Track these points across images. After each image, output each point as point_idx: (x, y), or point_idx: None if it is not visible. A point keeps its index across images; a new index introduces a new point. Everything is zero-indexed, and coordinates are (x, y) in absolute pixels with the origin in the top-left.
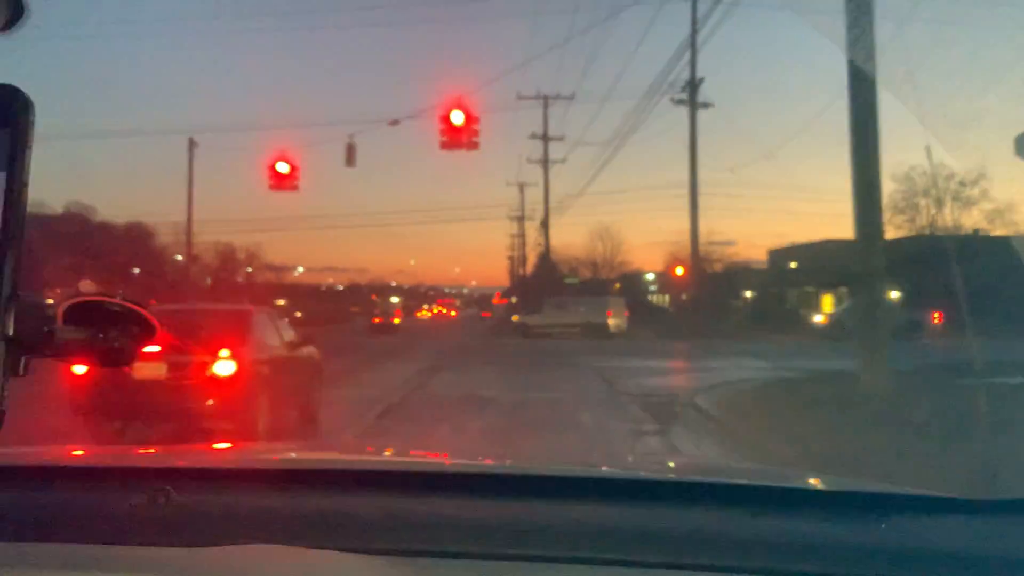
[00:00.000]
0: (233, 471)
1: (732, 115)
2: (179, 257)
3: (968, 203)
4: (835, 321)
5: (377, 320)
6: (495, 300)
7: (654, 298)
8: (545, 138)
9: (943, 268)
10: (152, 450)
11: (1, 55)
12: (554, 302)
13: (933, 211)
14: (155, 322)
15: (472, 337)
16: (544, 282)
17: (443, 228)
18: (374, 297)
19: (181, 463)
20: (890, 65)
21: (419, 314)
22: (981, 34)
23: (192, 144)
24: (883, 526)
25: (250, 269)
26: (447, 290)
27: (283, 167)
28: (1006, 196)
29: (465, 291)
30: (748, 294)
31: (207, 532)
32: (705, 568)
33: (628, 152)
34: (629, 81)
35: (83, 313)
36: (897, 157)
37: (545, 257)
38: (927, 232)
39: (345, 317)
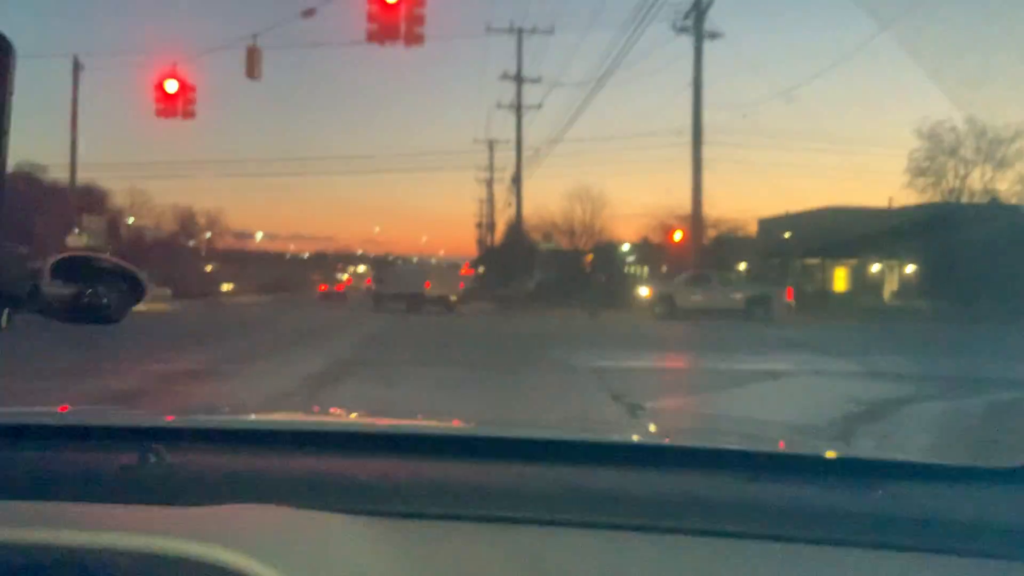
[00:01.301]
0: (226, 431)
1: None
2: (131, 220)
3: (1003, 164)
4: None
5: (322, 288)
6: (463, 271)
7: (633, 270)
8: (519, 79)
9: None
10: (145, 409)
11: (70, 46)
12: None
13: (962, 172)
14: (145, 281)
15: (422, 313)
16: (515, 250)
17: (408, 194)
18: (340, 266)
19: (173, 422)
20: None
21: None
22: None
23: (77, 67)
24: (880, 493)
25: (209, 234)
26: (415, 259)
27: (172, 85)
28: None
29: (433, 261)
30: (742, 266)
31: (200, 492)
32: (699, 532)
33: (618, 95)
34: (619, 9)
35: (71, 269)
36: (923, 112)
37: (516, 219)
38: (954, 196)
39: (298, 286)
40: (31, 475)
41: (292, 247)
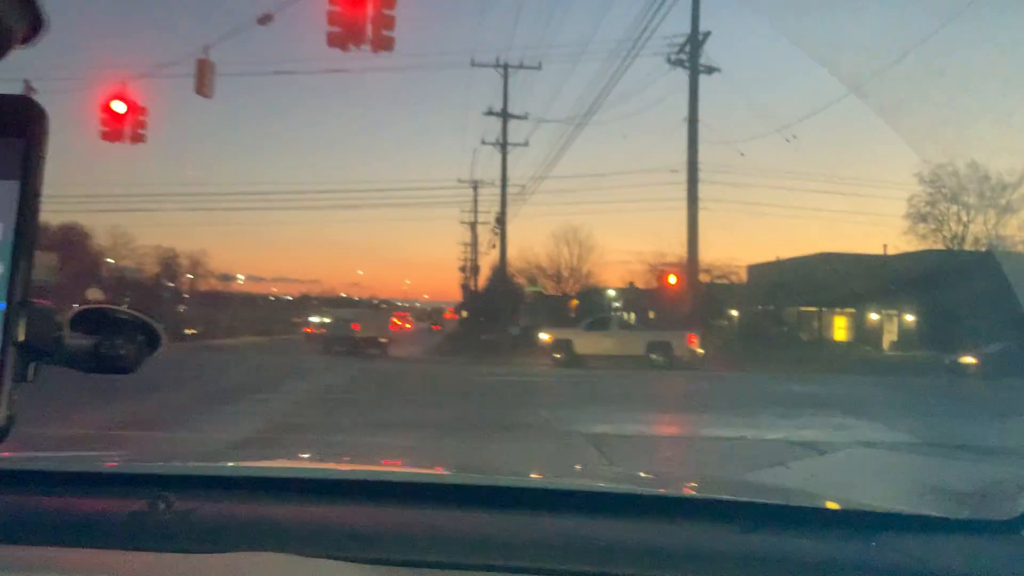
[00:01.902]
0: (234, 479)
1: (743, 83)
2: (111, 260)
3: (1007, 209)
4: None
5: (309, 331)
6: (447, 315)
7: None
8: (504, 115)
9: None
10: (153, 457)
11: (16, 66)
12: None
13: (964, 218)
14: (160, 331)
15: (392, 361)
16: (499, 294)
17: (392, 237)
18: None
19: (182, 470)
20: (921, 59)
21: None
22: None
23: (29, 90)
24: (873, 544)
25: (191, 276)
26: (399, 303)
27: (120, 106)
28: None
29: (418, 305)
30: (734, 313)
31: (207, 539)
32: None
33: (610, 133)
34: (612, 42)
35: (90, 321)
36: (926, 156)
37: (500, 261)
38: (956, 243)
39: (279, 328)
40: (41, 520)
41: (275, 289)
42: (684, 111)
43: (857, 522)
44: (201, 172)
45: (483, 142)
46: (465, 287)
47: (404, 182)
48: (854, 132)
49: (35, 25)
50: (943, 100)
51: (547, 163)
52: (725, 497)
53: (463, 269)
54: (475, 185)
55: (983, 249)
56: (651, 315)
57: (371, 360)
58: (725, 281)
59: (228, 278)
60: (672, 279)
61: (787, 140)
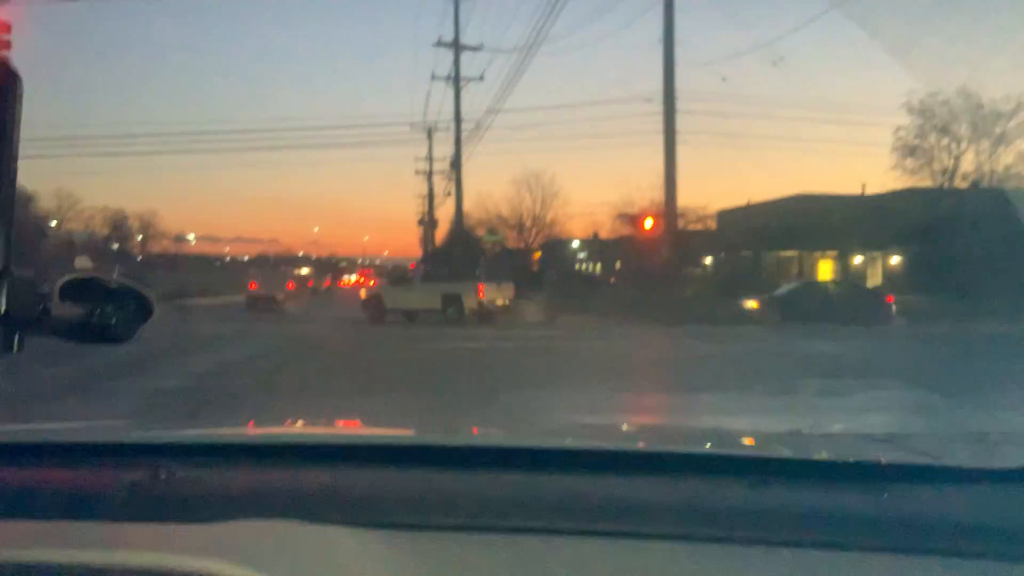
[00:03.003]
0: (234, 446)
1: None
2: (54, 223)
3: (1001, 141)
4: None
5: (253, 287)
6: (411, 269)
7: (584, 267)
8: (456, 46)
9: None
10: (152, 427)
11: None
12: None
13: (955, 151)
14: (152, 299)
15: (345, 323)
16: (458, 246)
17: (349, 192)
18: (284, 268)
19: (182, 438)
20: None
21: (343, 283)
22: None
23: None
24: (885, 495)
25: (141, 237)
26: (360, 261)
27: None
28: None
29: (378, 262)
30: (708, 261)
31: (209, 508)
32: (706, 539)
33: (576, 61)
34: None
35: (79, 290)
36: (912, 84)
37: (456, 211)
38: (947, 178)
39: (231, 290)
40: (38, 493)
41: (228, 249)
42: (658, 31)
43: (869, 474)
44: (127, 114)
45: (433, 76)
46: (425, 241)
47: (355, 118)
48: (840, 58)
49: None
50: (935, 18)
51: (502, 92)
52: (734, 452)
53: (421, 222)
54: (429, 131)
55: (972, 184)
56: (618, 265)
57: (287, 323)
58: (699, 227)
59: (181, 239)
60: (648, 223)
61: (773, 63)
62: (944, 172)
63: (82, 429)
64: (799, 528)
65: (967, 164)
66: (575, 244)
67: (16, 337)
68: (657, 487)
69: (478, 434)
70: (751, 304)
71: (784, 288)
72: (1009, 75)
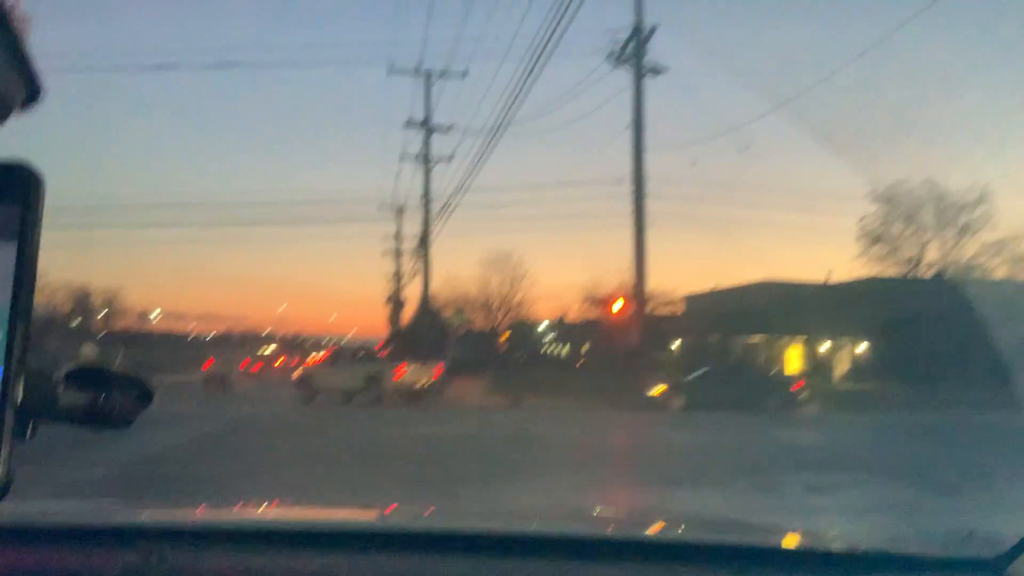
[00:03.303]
0: (228, 531)
1: (692, 85)
2: None
3: (966, 231)
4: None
5: (206, 366)
6: (378, 350)
7: (551, 350)
8: (427, 127)
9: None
10: (145, 509)
11: (14, 134)
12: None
13: (923, 239)
14: (151, 387)
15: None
16: (424, 326)
17: (317, 271)
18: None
19: (176, 522)
20: (881, 67)
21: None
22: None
23: None
24: None
25: (104, 314)
26: (326, 340)
27: None
28: (1013, 222)
29: (344, 341)
30: (676, 345)
31: None
32: None
33: (545, 144)
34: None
35: (84, 378)
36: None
37: (424, 290)
38: (912, 267)
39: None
40: None
41: (193, 327)
42: (628, 115)
43: (846, 563)
44: (92, 187)
45: (402, 157)
46: (392, 321)
47: (324, 195)
48: (807, 145)
49: (32, 92)
50: (895, 112)
51: (470, 172)
52: (716, 540)
53: (389, 302)
54: (399, 209)
55: (935, 274)
56: (584, 348)
57: (233, 403)
58: (667, 312)
59: (146, 317)
60: (617, 305)
61: (740, 150)
62: (910, 261)
63: (71, 511)
64: None
65: (932, 253)
66: (542, 326)
67: (30, 425)
68: (642, 574)
69: (468, 523)
70: (658, 390)
71: (692, 374)
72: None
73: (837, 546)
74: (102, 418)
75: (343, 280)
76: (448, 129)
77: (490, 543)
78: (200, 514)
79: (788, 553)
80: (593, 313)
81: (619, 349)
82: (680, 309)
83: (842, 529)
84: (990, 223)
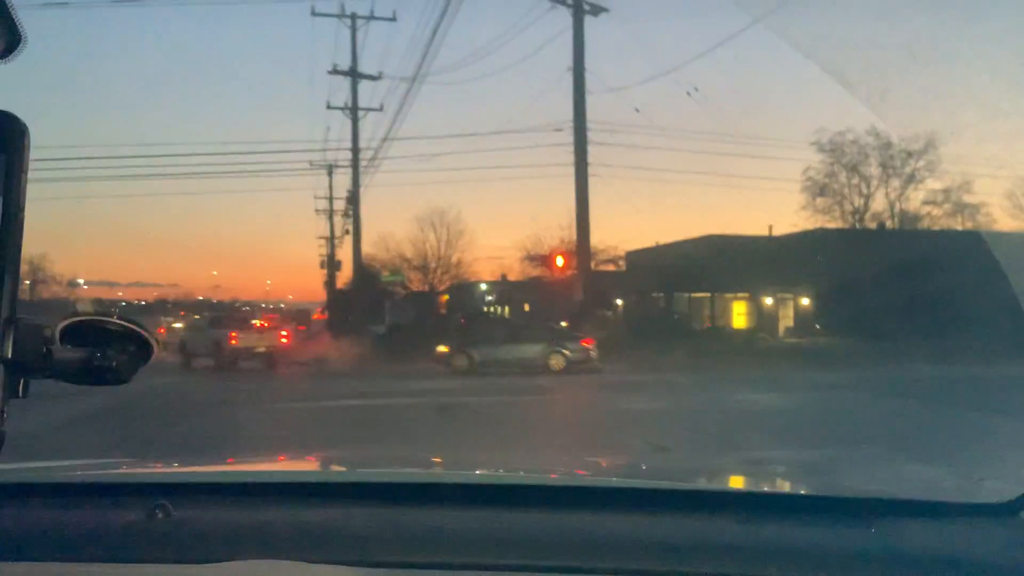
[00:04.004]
0: (231, 485)
1: (637, 26)
2: None
3: (911, 180)
4: None
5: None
6: (316, 316)
7: (492, 311)
8: (354, 75)
9: None
10: (149, 465)
11: None
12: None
13: (865, 190)
14: (152, 340)
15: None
16: (362, 290)
17: (251, 235)
18: (182, 313)
19: (179, 477)
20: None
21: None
22: None
23: None
24: (872, 530)
25: (30, 283)
26: (263, 305)
27: None
28: (958, 170)
29: (283, 306)
30: (619, 302)
31: (206, 548)
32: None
33: (484, 92)
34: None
35: (80, 333)
36: (822, 123)
37: (355, 250)
38: (857, 218)
39: None
40: (37, 534)
41: (120, 294)
42: (569, 58)
43: (857, 509)
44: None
45: (329, 106)
46: (329, 285)
47: (251, 146)
48: (755, 92)
49: (13, 41)
50: (848, 54)
51: (396, 117)
52: (726, 488)
53: (324, 265)
54: (330, 167)
55: (879, 225)
56: (526, 308)
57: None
58: (610, 268)
59: (75, 284)
60: (560, 261)
61: (688, 93)
62: (855, 212)
63: (76, 468)
64: (788, 562)
65: (878, 204)
66: (483, 287)
67: (21, 382)
68: (648, 523)
69: (473, 472)
70: (442, 349)
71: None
72: (918, 113)
73: (848, 493)
74: (98, 374)
75: (276, 244)
76: (377, 77)
77: (499, 494)
78: (203, 469)
79: (797, 499)
80: (534, 272)
81: (562, 308)
82: (623, 266)
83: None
84: (936, 172)
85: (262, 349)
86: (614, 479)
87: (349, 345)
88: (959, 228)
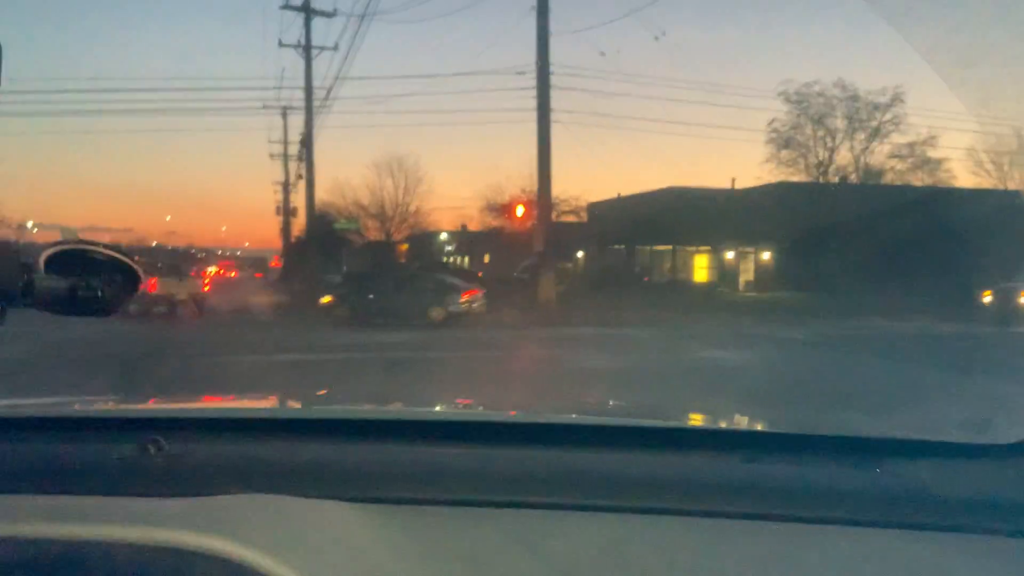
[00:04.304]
0: (225, 420)
1: None
2: None
3: (876, 134)
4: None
5: None
6: (273, 263)
7: (452, 261)
8: (307, 9)
9: None
10: (143, 400)
11: None
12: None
13: (830, 143)
14: (140, 271)
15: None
16: (318, 238)
17: (205, 182)
18: (137, 259)
19: (173, 412)
20: None
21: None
22: None
23: None
24: (877, 471)
25: None
26: (219, 252)
27: None
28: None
29: (239, 253)
30: (580, 254)
31: (200, 482)
32: (701, 514)
33: (437, 29)
34: None
35: (65, 262)
36: (789, 74)
37: (308, 196)
38: (821, 171)
39: None
40: (29, 468)
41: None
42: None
43: (861, 449)
44: None
45: (281, 44)
46: (285, 232)
47: (203, 82)
48: (722, 41)
49: None
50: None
51: (347, 54)
52: (728, 427)
53: (279, 212)
54: (285, 111)
55: (841, 179)
56: (487, 259)
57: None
58: (572, 220)
59: (24, 227)
60: (520, 210)
61: (655, 38)
62: (819, 165)
63: (68, 403)
64: (793, 502)
65: (842, 157)
66: (443, 237)
67: (0, 309)
68: (653, 462)
69: (472, 410)
70: (325, 299)
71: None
72: (885, 67)
73: (854, 432)
74: (83, 305)
75: (235, 189)
76: (332, 14)
77: (499, 432)
78: (197, 404)
79: (804, 439)
80: (496, 221)
81: (523, 258)
82: (585, 217)
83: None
84: (901, 126)
85: (183, 297)
86: (616, 418)
87: (290, 294)
88: (919, 184)
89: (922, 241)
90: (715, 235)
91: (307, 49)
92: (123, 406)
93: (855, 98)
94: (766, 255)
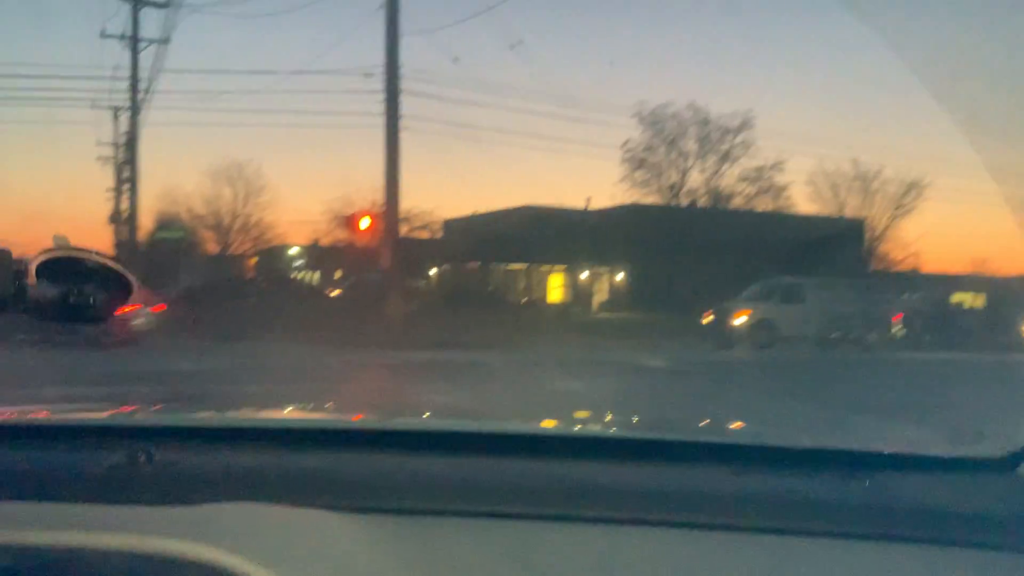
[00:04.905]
0: (215, 429)
1: None
2: None
3: (727, 158)
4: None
5: None
6: None
7: (302, 276)
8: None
9: None
10: (132, 408)
11: None
12: None
13: (683, 166)
14: (132, 279)
15: None
16: (152, 248)
17: (31, 186)
18: None
19: (162, 421)
20: None
21: None
22: None
23: None
24: (867, 484)
25: None
26: None
27: None
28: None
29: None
30: (433, 272)
31: (189, 491)
32: (689, 525)
33: (281, 29)
34: None
35: (57, 269)
36: (648, 93)
37: (132, 203)
38: (674, 194)
39: None
40: (18, 476)
41: None
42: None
43: (852, 462)
44: None
45: (103, 35)
46: (120, 243)
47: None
48: (580, 57)
49: None
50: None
51: (160, 47)
52: (719, 439)
53: (113, 219)
54: (115, 112)
55: (690, 202)
56: (337, 274)
57: None
58: (425, 236)
59: None
60: (365, 222)
61: (511, 47)
62: (672, 187)
63: (58, 411)
64: (782, 515)
65: (694, 180)
66: (294, 251)
67: None
68: (643, 474)
69: (461, 420)
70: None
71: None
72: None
73: (845, 445)
74: (75, 312)
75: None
76: (165, 4)
77: (490, 443)
78: (187, 414)
79: (793, 452)
80: (346, 235)
81: (371, 275)
82: (439, 234)
83: None
84: (751, 150)
85: None
86: (607, 430)
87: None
88: (763, 209)
89: (763, 265)
90: (570, 255)
91: (134, 40)
92: (112, 414)
93: (706, 121)
94: (619, 276)
